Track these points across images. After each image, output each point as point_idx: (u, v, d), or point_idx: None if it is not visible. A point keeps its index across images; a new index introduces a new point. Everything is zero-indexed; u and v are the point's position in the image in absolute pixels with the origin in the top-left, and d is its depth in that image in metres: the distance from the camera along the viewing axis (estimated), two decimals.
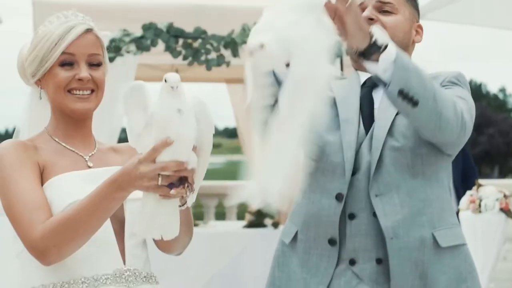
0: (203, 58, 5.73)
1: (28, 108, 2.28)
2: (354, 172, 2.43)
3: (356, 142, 2.44)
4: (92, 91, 2.18)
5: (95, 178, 2.07)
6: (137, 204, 2.10)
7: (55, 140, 2.21)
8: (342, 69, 6.21)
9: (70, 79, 2.16)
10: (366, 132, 2.46)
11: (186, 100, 1.94)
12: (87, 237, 2.00)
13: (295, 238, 2.52)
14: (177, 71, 7.98)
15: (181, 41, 5.69)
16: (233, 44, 5.74)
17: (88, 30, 2.18)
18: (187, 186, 1.95)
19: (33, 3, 6.03)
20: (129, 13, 5.84)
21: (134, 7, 5.99)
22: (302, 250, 2.50)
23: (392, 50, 2.24)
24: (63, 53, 2.14)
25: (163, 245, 2.18)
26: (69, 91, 2.17)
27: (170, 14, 5.86)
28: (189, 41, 5.70)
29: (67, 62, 2.15)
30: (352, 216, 2.42)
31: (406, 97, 2.26)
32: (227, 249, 6.19)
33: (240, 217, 8.05)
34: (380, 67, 2.24)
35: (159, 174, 1.90)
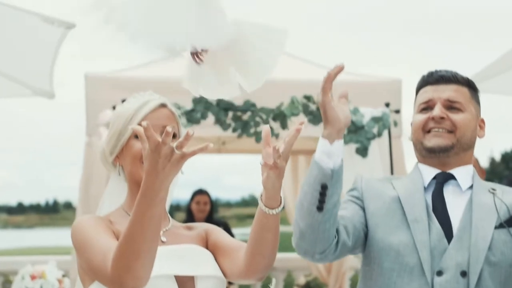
0: (252, 130, 5.77)
1: (107, 190, 2.32)
2: (440, 272, 2.40)
3: (429, 240, 2.42)
4: None
5: (169, 255, 2.07)
6: (209, 281, 2.08)
7: (129, 215, 2.23)
8: (390, 141, 6.19)
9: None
10: (444, 231, 2.44)
11: None
12: (150, 250, 1.96)
13: None
14: (223, 143, 8.04)
15: (230, 113, 5.74)
16: (282, 116, 5.78)
17: (163, 105, 2.23)
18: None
19: (85, 77, 6.13)
20: (180, 87, 5.91)
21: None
22: None
23: None
24: (138, 125, 2.19)
25: (248, 264, 2.14)
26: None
27: None
28: (239, 113, 5.75)
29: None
30: None
31: None
32: None
33: None
34: None
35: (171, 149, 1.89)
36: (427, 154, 2.55)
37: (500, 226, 2.43)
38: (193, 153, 1.90)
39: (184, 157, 1.89)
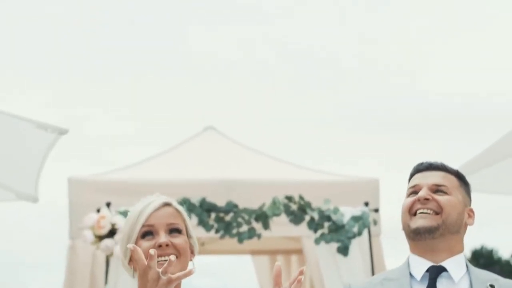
0: (234, 231, 5.84)
1: None
2: None
3: None
4: (176, 258, 2.23)
5: None
6: None
7: None
8: (370, 239, 6.28)
9: (151, 247, 2.24)
10: None
11: None
12: None
13: None
14: (203, 244, 8.06)
15: (213, 215, 5.82)
16: (264, 217, 5.87)
17: (166, 204, 2.31)
18: None
19: (68, 180, 6.22)
20: (163, 188, 5.95)
21: (168, 182, 6.17)
22: None
23: None
24: (143, 225, 2.27)
25: None
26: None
27: (203, 189, 6.03)
28: (221, 214, 5.84)
29: (147, 232, 2.28)
30: None
31: None
32: None
33: None
34: None
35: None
36: (414, 237, 2.57)
37: None
38: (179, 278, 1.99)
39: (170, 281, 1.99)
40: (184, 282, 2.22)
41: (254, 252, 8.40)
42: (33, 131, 4.31)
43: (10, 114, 4.30)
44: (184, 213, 2.35)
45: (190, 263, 2.31)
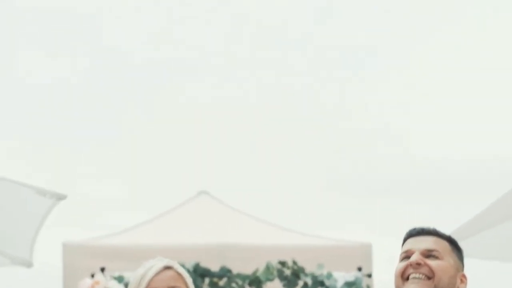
0: None
1: None
2: None
3: None
4: None
5: None
6: None
7: None
8: None
9: None
10: None
11: None
12: None
13: None
14: None
15: (207, 280, 5.84)
16: (257, 282, 5.89)
17: (168, 268, 2.37)
18: None
19: (63, 245, 6.25)
20: (157, 253, 5.98)
21: (162, 247, 6.19)
22: None
23: None
24: None
25: None
26: None
27: (197, 254, 6.06)
28: (215, 280, 5.86)
29: None
30: None
31: None
32: None
33: None
34: None
35: None
36: None
37: None
38: None
39: None
40: None
41: None
42: (32, 197, 4.37)
43: (11, 180, 4.37)
44: (186, 275, 2.42)
45: None
